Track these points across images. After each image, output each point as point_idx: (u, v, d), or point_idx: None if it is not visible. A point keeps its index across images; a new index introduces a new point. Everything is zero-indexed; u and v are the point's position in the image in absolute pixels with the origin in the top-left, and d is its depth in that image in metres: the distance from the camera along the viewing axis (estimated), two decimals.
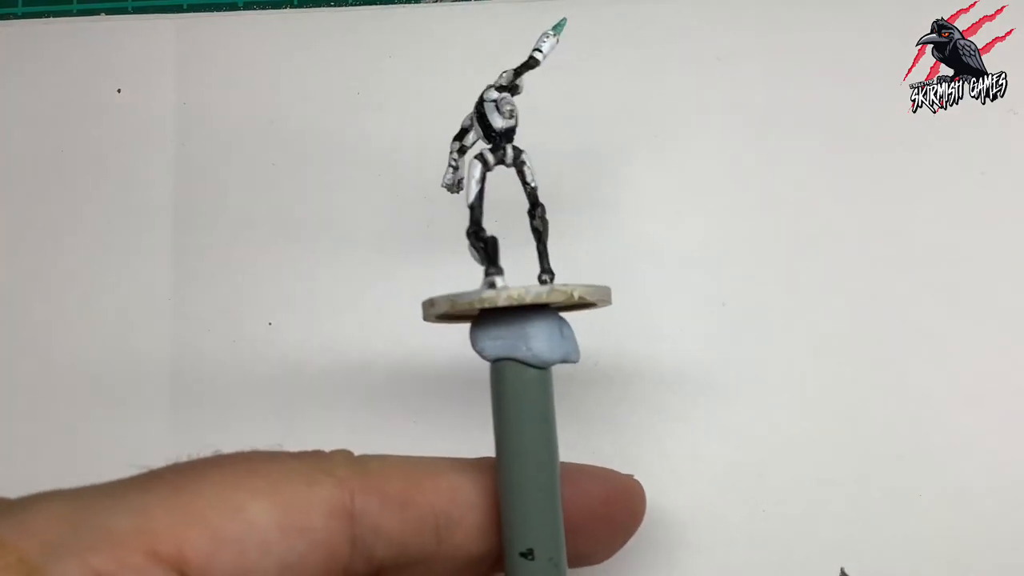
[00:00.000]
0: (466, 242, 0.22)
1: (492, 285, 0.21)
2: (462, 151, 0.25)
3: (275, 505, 0.19)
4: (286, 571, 0.19)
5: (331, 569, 0.20)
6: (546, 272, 0.22)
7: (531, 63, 0.23)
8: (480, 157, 0.22)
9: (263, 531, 0.18)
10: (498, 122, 0.22)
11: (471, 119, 0.23)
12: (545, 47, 0.24)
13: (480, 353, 0.21)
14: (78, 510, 0.18)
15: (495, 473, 0.21)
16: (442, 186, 0.25)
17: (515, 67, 0.23)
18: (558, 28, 0.24)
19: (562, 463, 0.22)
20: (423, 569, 0.21)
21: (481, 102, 0.23)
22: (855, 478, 0.32)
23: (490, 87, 0.23)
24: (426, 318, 0.22)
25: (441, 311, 0.21)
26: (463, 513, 0.21)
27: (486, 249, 0.21)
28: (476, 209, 0.22)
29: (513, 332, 0.21)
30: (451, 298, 0.21)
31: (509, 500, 0.21)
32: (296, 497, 0.19)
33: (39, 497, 0.18)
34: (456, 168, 0.25)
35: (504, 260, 0.22)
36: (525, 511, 0.21)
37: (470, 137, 0.24)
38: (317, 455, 0.21)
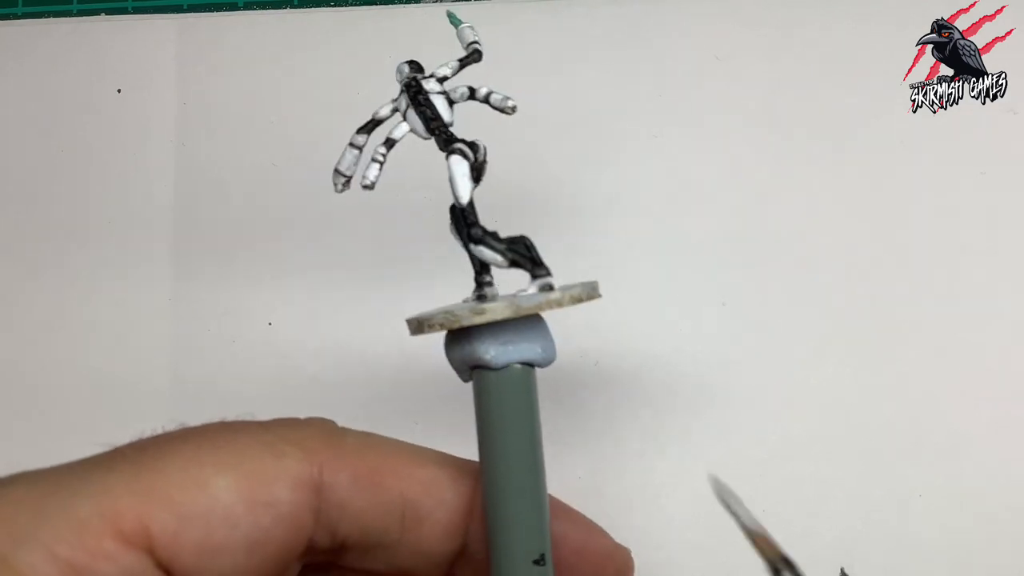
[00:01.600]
0: (474, 245, 0.20)
1: (550, 287, 0.20)
2: (390, 145, 0.22)
3: (240, 479, 0.18)
4: (253, 546, 0.18)
5: (295, 541, 0.19)
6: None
7: (477, 57, 0.22)
8: (461, 152, 0.21)
9: (228, 506, 0.18)
10: (447, 115, 0.21)
11: (394, 110, 0.22)
12: (478, 36, 0.22)
13: (489, 363, 0.20)
14: (42, 496, 0.18)
15: (484, 483, 0.21)
16: (364, 186, 0.22)
17: (459, 59, 0.22)
18: (455, 21, 0.23)
19: (560, 505, 0.22)
20: (384, 555, 0.21)
21: (422, 92, 0.21)
22: (855, 478, 0.32)
23: (428, 78, 0.22)
24: (454, 326, 0.20)
25: (504, 315, 0.19)
26: (433, 507, 0.21)
27: (529, 251, 0.20)
28: (473, 207, 0.20)
29: (524, 335, 0.20)
30: (514, 304, 0.19)
31: (519, 507, 0.20)
32: (262, 469, 0.19)
33: (0, 483, 0.18)
34: (382, 164, 0.22)
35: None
36: (541, 516, 0.20)
37: (400, 130, 0.22)
38: (287, 424, 0.21)
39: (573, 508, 0.22)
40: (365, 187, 0.22)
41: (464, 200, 0.20)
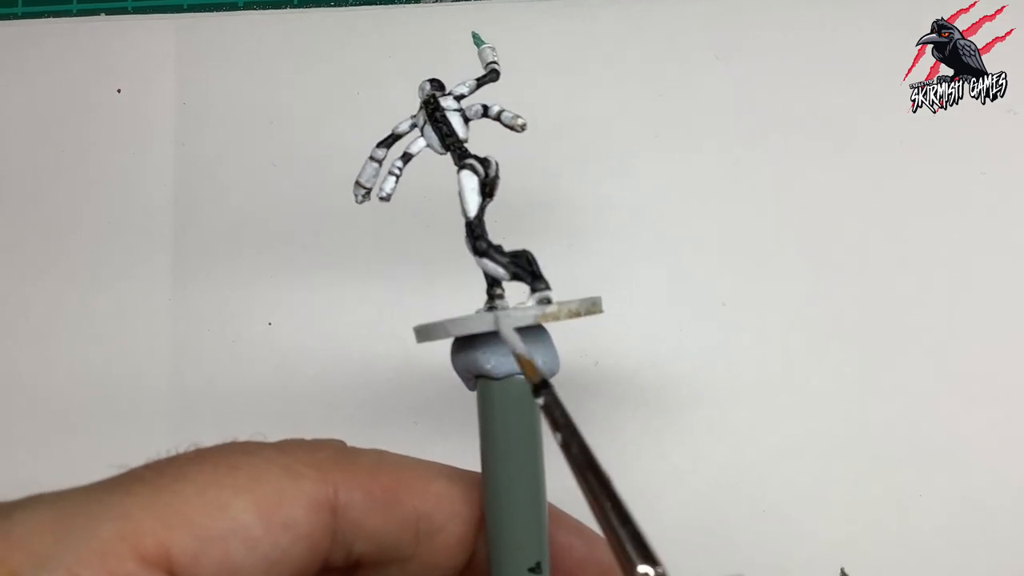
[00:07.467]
0: (478, 258, 0.20)
1: (548, 301, 0.20)
2: (407, 159, 0.23)
3: (259, 500, 0.19)
4: (272, 567, 0.19)
5: (313, 561, 0.20)
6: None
7: (494, 77, 0.23)
8: (472, 167, 0.21)
9: (248, 528, 0.18)
10: (462, 132, 0.22)
11: (413, 126, 0.23)
12: (496, 56, 0.23)
13: (490, 373, 0.20)
14: (62, 518, 0.18)
15: (485, 490, 0.21)
16: (381, 198, 0.23)
17: (477, 78, 0.23)
18: (478, 41, 0.24)
19: (565, 517, 0.22)
20: (397, 570, 0.21)
21: (439, 109, 0.22)
22: (855, 478, 0.32)
23: (446, 95, 0.22)
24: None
25: (486, 327, 0.20)
26: (446, 521, 0.21)
27: (530, 265, 0.20)
28: (482, 221, 0.21)
29: (526, 346, 0.20)
30: (495, 316, 0.20)
31: (520, 514, 0.20)
32: (280, 491, 0.19)
33: (21, 505, 0.18)
34: (399, 177, 0.23)
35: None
36: (539, 524, 0.20)
37: (417, 144, 0.23)
38: (301, 445, 0.21)
39: (578, 520, 0.22)
40: (382, 199, 0.23)
41: (471, 214, 0.21)
